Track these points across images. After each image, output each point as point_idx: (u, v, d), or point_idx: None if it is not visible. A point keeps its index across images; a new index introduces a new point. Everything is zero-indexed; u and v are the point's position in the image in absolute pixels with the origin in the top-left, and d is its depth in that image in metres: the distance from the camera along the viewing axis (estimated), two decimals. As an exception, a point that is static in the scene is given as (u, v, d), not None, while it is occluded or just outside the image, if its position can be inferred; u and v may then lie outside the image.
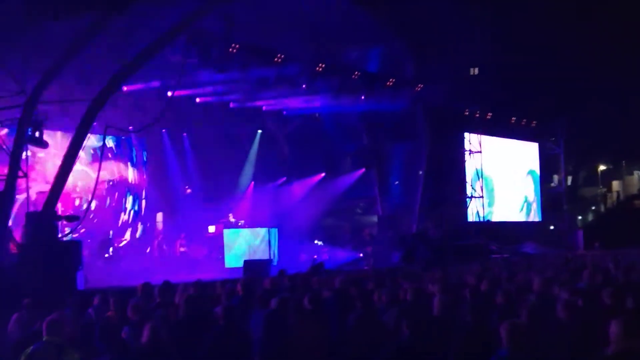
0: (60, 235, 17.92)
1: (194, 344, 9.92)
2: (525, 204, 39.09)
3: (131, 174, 29.57)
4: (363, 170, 32.62)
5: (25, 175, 17.75)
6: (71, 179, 21.15)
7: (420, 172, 31.83)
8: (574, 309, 8.90)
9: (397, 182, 33.11)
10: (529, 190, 39.54)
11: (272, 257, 27.01)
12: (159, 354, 8.06)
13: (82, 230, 25.26)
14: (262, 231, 28.64)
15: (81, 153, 20.16)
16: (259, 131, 32.64)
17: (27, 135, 18.32)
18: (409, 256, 26.85)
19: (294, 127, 32.60)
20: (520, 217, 38.31)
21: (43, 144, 19.86)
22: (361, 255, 30.07)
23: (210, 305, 11.36)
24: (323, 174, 33.43)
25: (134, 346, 8.77)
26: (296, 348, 9.57)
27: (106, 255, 25.29)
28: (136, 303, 10.54)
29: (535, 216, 39.59)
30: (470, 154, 33.67)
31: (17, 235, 17.74)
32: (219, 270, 26.02)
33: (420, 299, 11.13)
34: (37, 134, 18.99)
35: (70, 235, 19.23)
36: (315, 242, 31.67)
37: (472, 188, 33.60)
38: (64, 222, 18.51)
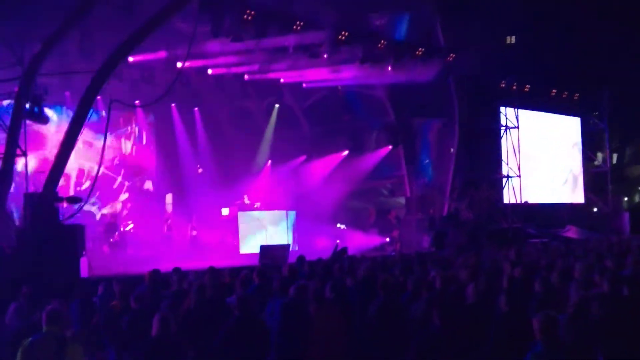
0: (61, 219, 17.95)
1: (206, 336, 9.92)
2: (570, 178, 38.82)
3: (138, 152, 29.64)
4: (389, 147, 32.49)
5: (24, 154, 17.77)
6: (73, 158, 21.23)
7: (452, 150, 31.66)
8: (618, 299, 8.81)
9: (426, 161, 32.95)
10: (575, 165, 39.29)
11: (290, 243, 27.00)
12: (169, 347, 8.05)
13: (86, 212, 25.42)
14: (279, 214, 28.64)
15: (84, 129, 20.16)
16: (276, 106, 32.57)
17: (25, 110, 18.34)
18: (439, 241, 26.76)
19: (315, 101, 32.50)
20: (561, 197, 38.04)
21: (43, 120, 19.89)
22: (387, 240, 30.02)
23: (223, 295, 11.36)
24: (346, 152, 33.33)
25: (140, 338, 8.75)
26: (316, 340, 9.55)
27: (111, 240, 25.39)
28: (140, 292, 10.54)
29: (578, 196, 39.32)
30: (506, 129, 33.40)
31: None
32: (233, 256, 26.08)
33: (452, 287, 11.08)
34: (36, 108, 18.99)
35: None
36: (338, 225, 31.64)
37: (509, 167, 33.37)
38: (66, 204, 18.53)
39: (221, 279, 13.60)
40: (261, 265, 16.16)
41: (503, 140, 33.61)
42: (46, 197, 17.21)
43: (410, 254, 20.08)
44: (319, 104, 32.36)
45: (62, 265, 16.96)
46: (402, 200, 32.56)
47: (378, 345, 9.56)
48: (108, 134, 22.01)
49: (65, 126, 19.48)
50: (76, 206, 18.57)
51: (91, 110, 19.83)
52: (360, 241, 28.91)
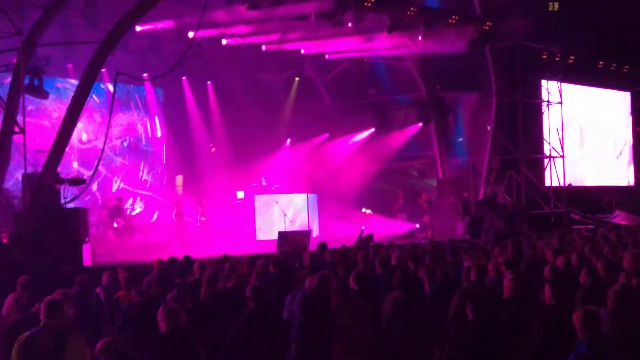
0: (63, 201, 18.00)
1: (218, 330, 9.91)
2: (619, 158, 38.54)
3: (145, 130, 29.68)
4: (420, 124, 32.33)
5: (23, 131, 17.80)
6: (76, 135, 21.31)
7: (489, 127, 31.45)
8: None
9: (460, 139, 32.78)
10: (625, 144, 38.97)
11: (311, 228, 26.97)
12: (179, 342, 8.02)
13: (88, 197, 25.51)
14: (299, 197, 28.60)
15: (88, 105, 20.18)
16: (296, 79, 32.46)
17: (24, 83, 18.38)
18: (474, 228, 26.66)
19: (338, 74, 32.35)
20: (608, 179, 37.74)
21: (43, 94, 19.94)
22: (417, 226, 29.91)
23: (238, 285, 11.35)
24: (372, 130, 33.20)
25: (148, 333, 8.74)
26: (339, 335, 9.52)
27: (116, 225, 25.45)
28: (149, 282, 10.56)
29: (627, 178, 39.02)
30: (548, 105, 33.16)
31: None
32: (249, 243, 26.09)
33: (488, 278, 11.02)
34: (36, 81, 19.04)
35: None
36: (363, 210, 31.56)
37: (551, 146, 33.15)
38: (68, 186, 18.58)
39: (241, 268, 13.63)
40: (279, 253, 16.14)
41: (545, 117, 33.38)
42: (46, 178, 17.24)
43: (443, 241, 20.01)
44: (342, 77, 32.20)
45: (64, 252, 17.07)
46: (433, 182, 32.41)
47: (408, 340, 9.51)
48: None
49: (67, 101, 19.53)
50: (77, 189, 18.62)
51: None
52: (387, 227, 28.79)
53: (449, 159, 32.03)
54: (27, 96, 19.05)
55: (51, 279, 13.88)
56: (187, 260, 14.06)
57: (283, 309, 10.46)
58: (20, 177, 18.42)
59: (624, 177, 38.90)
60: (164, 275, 12.53)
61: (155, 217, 29.36)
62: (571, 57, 33.89)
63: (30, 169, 18.24)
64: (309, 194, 28.81)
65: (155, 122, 30.05)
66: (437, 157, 31.98)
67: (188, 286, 11.62)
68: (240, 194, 29.20)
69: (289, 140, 32.51)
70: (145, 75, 25.65)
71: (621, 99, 39.20)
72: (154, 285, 11.32)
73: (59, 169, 18.10)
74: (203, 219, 27.90)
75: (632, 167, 39.40)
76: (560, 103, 33.15)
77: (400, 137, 32.90)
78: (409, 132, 32.77)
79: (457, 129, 32.77)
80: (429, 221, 29.66)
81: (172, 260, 14.23)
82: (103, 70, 22.36)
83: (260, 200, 28.26)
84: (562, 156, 32.92)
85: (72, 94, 18.97)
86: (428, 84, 31.80)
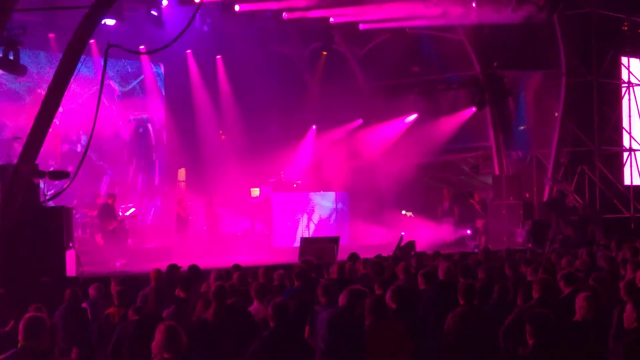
0: (42, 199, 18.08)
1: (230, 355, 9.94)
2: None
3: (142, 114, 29.74)
4: (473, 109, 32.26)
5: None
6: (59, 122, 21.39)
7: (556, 114, 31.37)
8: None
9: (522, 127, 32.70)
10: None
11: (340, 234, 26.99)
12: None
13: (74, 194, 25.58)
14: (327, 197, 28.62)
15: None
16: (324, 53, 32.44)
17: (-3, 57, 18.50)
18: (538, 234, 26.58)
19: (374, 48, 32.34)
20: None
21: (19, 70, 20.02)
22: (468, 232, 29.88)
23: (253, 301, 11.38)
24: (415, 116, 33.15)
25: (144, 356, 8.78)
26: (374, 361, 9.54)
27: (109, 227, 25.53)
28: (144, 297, 10.58)
29: None
30: (629, 87, 33.02)
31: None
32: (266, 250, 26.14)
33: (554, 296, 10.97)
34: (11, 54, 19.12)
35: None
36: (403, 212, 31.55)
37: (632, 136, 33.00)
38: (49, 180, 18.67)
39: (256, 280, 13.64)
40: (302, 263, 16.14)
41: (624, 101, 33.22)
42: (23, 170, 17.31)
43: (499, 251, 19.95)
44: (379, 51, 32.18)
45: (44, 260, 17.11)
46: (488, 179, 32.37)
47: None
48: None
49: (48, 79, 19.59)
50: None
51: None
52: (433, 233, 28.81)
53: (507, 152, 31.97)
54: (0, 72, 19.16)
55: (28, 291, 13.97)
56: (192, 270, 14.10)
57: (307, 330, 10.49)
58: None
59: None
60: (163, 289, 12.55)
61: (150, 217, 29.43)
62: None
63: (4, 160, 18.36)
64: (338, 193, 28.81)
65: (154, 105, 30.07)
66: (494, 149, 31.92)
67: (192, 302, 11.65)
68: (255, 192, 29.22)
69: (314, 127, 32.50)
70: (142, 48, 25.70)
71: None
72: (151, 300, 11.36)
73: (38, 160, 18.16)
74: (211, 221, 27.92)
75: None
76: (644, 84, 33.05)
77: (449, 124, 32.82)
78: (460, 118, 32.70)
79: (518, 116, 32.69)
80: (482, 226, 29.60)
81: (173, 269, 14.26)
82: (91, 41, 22.45)
83: (279, 199, 28.28)
84: (646, 149, 32.80)
85: (54, 69, 19.02)
86: (483, 60, 31.73)
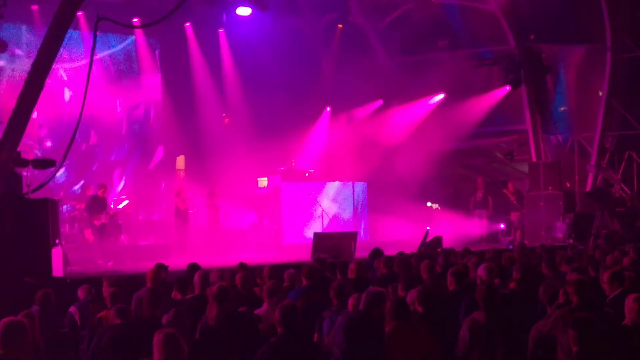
0: (25, 190, 18.15)
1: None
2: None
3: (135, 94, 29.76)
4: (507, 88, 32.23)
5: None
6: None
7: (601, 93, 31.32)
8: None
9: (562, 109, 32.65)
10: None
11: (358, 229, 27.03)
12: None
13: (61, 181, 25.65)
14: (343, 187, 28.64)
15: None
16: (339, 25, 32.43)
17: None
18: (580, 229, 26.55)
19: (396, 19, 32.32)
20: None
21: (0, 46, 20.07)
22: (502, 226, 29.87)
23: (259, 303, 11.42)
24: (442, 95, 33.14)
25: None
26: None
27: (97, 222, 25.57)
28: (139, 298, 10.61)
29: None
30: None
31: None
32: (274, 247, 26.22)
33: (600, 298, 10.98)
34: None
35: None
36: (428, 204, 31.52)
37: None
38: (32, 169, 18.73)
39: (263, 280, 13.69)
40: (315, 261, 16.19)
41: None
42: (3, 158, 17.38)
43: (536, 247, 19.95)
44: (402, 23, 32.17)
45: (27, 258, 17.15)
46: (524, 167, 32.32)
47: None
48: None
49: (32, 55, 19.65)
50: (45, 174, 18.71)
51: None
52: (461, 228, 28.81)
53: (546, 136, 31.91)
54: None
55: (9, 293, 14.04)
56: (192, 269, 14.13)
57: (316, 336, 10.54)
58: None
59: None
60: (159, 290, 12.60)
61: (148, 210, 29.48)
62: None
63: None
64: (356, 183, 28.84)
65: (148, 84, 30.07)
66: (530, 133, 31.89)
67: (191, 305, 11.70)
68: (263, 182, 29.26)
69: (329, 108, 32.51)
70: (135, 20, 25.74)
71: None
72: (145, 303, 11.42)
73: (20, 147, 18.22)
74: (213, 214, 27.90)
75: None
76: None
77: (481, 105, 32.78)
78: (492, 98, 32.66)
79: (558, 95, 32.63)
80: (517, 220, 29.58)
81: (166, 269, 14.32)
82: (79, 13, 22.50)
83: (289, 189, 28.32)
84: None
85: (38, 45, 19.07)
86: (519, 33, 31.69)
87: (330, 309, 10.77)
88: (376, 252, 16.79)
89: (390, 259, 15.51)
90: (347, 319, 9.77)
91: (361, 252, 21.03)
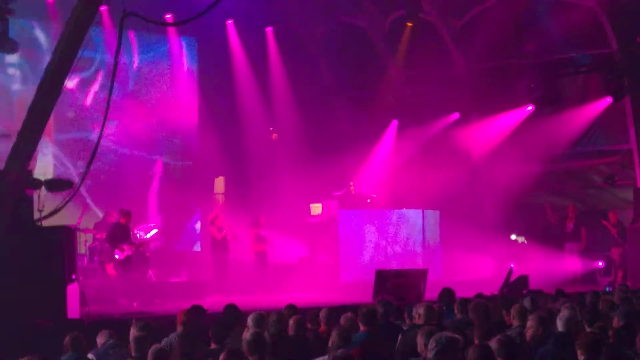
0: (38, 216, 18.24)
1: None
2: None
3: (167, 105, 29.90)
4: (608, 100, 32.10)
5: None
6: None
7: None
8: None
9: (676, 125, 32.52)
10: None
11: (428, 265, 27.01)
12: None
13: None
14: (411, 216, 28.64)
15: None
16: (409, 25, 32.47)
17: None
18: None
19: (475, 18, 32.33)
20: None
21: (8, 46, 20.26)
22: (600, 264, 29.71)
23: (309, 354, 11.42)
24: (530, 108, 33.05)
25: None
26: None
27: (119, 255, 25.68)
28: (169, 345, 10.65)
29: None
30: None
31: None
32: (330, 286, 26.22)
33: None
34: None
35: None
36: (512, 237, 31.44)
37: None
38: (45, 192, 18.86)
39: (316, 325, 13.68)
40: (377, 303, 16.17)
41: None
42: (12, 179, 17.48)
43: (641, 290, 19.87)
44: (482, 23, 32.12)
45: (38, 296, 17.23)
46: (628, 194, 32.17)
47: None
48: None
49: (45, 58, 19.82)
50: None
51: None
52: (552, 265, 28.70)
53: (655, 157, 31.77)
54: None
55: (19, 337, 14.13)
56: (231, 311, 14.16)
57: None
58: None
59: None
60: (192, 336, 12.64)
61: (181, 240, 29.59)
62: None
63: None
64: (427, 211, 28.81)
65: (182, 93, 30.20)
66: (635, 154, 31.70)
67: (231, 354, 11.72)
68: (317, 209, 29.27)
69: (395, 122, 32.53)
70: (168, 17, 25.90)
71: None
72: (177, 352, 11.46)
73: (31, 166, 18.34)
74: (257, 246, 27.90)
75: None
76: None
77: (576, 120, 32.66)
78: (590, 112, 32.53)
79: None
80: (619, 257, 29.41)
81: (203, 312, 14.35)
82: (102, 8, 22.67)
83: (347, 218, 28.32)
84: None
85: (53, 46, 19.22)
86: (622, 34, 31.55)
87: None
88: (446, 293, 16.74)
89: (464, 302, 15.44)
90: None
91: (431, 292, 20.99)
